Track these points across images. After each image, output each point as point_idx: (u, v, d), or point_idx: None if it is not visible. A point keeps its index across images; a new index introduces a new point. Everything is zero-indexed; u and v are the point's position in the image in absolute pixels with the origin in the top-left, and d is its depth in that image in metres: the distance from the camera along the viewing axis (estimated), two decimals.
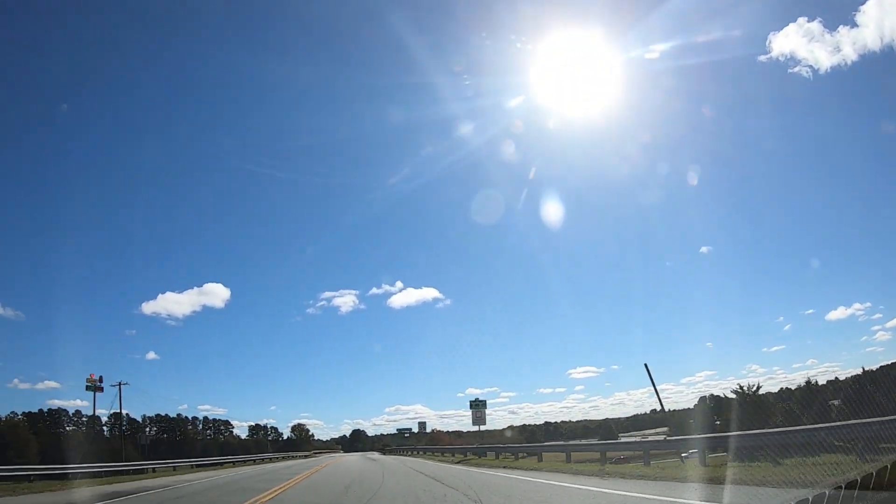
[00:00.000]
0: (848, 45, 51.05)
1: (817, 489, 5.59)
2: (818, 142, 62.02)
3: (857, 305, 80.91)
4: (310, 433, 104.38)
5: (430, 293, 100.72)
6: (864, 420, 9.71)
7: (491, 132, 54.93)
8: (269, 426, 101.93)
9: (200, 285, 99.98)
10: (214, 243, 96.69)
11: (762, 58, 52.93)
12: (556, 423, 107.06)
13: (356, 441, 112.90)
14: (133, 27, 69.01)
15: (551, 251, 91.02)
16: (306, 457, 67.83)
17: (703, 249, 75.30)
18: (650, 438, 17.56)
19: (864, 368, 32.54)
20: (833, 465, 8.82)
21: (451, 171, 77.73)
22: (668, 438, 17.99)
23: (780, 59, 58.97)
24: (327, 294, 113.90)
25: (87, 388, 48.81)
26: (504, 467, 20.59)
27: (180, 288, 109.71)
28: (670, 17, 41.03)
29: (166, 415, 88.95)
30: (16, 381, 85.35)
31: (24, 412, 67.15)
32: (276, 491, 14.26)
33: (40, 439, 49.33)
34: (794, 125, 59.22)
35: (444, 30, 61.68)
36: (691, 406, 50.55)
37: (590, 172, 72.55)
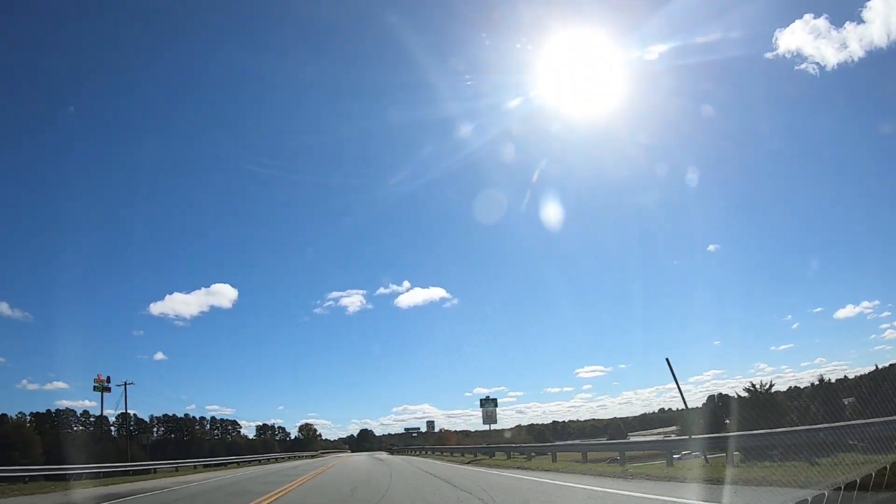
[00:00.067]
0: (854, 41, 50.40)
1: (817, 489, 5.43)
2: (825, 139, 61.38)
3: (865, 303, 79.73)
4: (317, 433, 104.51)
5: (437, 293, 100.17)
6: (887, 418, 9.28)
7: (495, 131, 55.08)
8: (276, 426, 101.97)
9: (208, 286, 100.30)
10: (221, 244, 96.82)
11: (768, 55, 52.37)
12: (563, 422, 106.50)
13: (364, 441, 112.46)
14: (134, 28, 68.59)
15: (558, 251, 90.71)
16: (313, 457, 67.20)
17: (711, 248, 74.98)
18: (673, 437, 16.56)
19: (877, 366, 31.93)
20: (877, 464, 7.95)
21: (456, 170, 77.87)
22: (693, 437, 16.87)
23: (787, 56, 57.46)
24: (334, 294, 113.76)
25: (95, 388, 48.61)
26: (517, 468, 19.58)
27: (188, 288, 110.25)
28: (674, 17, 40.67)
29: (174, 415, 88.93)
30: (24, 381, 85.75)
31: (31, 412, 67.27)
32: (278, 493, 13.43)
33: (46, 440, 49.01)
34: (801, 123, 58.50)
35: (447, 30, 61.12)
36: (699, 405, 50.77)
37: (595, 171, 71.90)
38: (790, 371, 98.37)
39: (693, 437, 16.89)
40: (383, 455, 58.70)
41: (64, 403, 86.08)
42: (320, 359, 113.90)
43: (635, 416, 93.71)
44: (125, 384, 47.92)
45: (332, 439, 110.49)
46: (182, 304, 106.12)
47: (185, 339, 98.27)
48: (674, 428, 37.47)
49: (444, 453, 43.92)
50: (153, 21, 71.34)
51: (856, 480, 4.75)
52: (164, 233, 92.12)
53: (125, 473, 28.30)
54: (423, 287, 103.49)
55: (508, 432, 69.67)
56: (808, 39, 52.49)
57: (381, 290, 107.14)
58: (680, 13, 38.51)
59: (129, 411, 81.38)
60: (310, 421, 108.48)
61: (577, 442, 27.04)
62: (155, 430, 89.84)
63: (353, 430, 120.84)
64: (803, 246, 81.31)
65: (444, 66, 64.81)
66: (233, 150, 76.80)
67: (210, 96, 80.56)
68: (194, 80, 78.33)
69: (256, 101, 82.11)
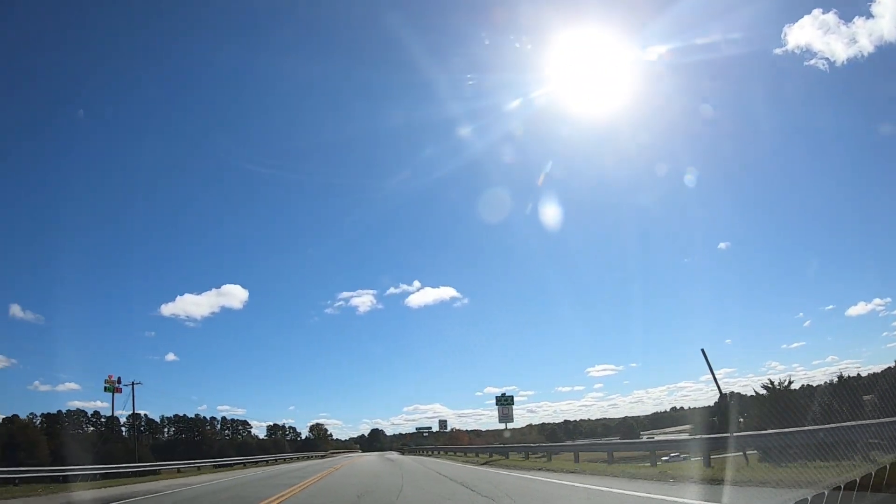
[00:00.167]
0: (864, 36, 49.65)
1: (816, 489, 5.36)
2: (835, 135, 60.63)
3: (877, 300, 77.48)
4: (328, 433, 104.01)
5: (447, 292, 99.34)
6: None
7: (501, 131, 54.74)
8: (287, 426, 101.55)
9: (219, 287, 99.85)
10: (232, 245, 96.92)
11: (777, 51, 51.76)
12: (575, 421, 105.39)
13: (374, 440, 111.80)
14: (138, 28, 68.29)
15: (568, 250, 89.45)
16: (323, 457, 66.18)
17: (721, 246, 74.83)
18: (700, 436, 15.22)
19: None
20: None
21: (461, 169, 77.53)
22: (733, 434, 15.32)
23: (796, 52, 56.61)
24: (345, 294, 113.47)
25: (106, 389, 48.21)
26: (538, 469, 18.00)
27: (198, 289, 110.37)
28: (680, 15, 39.78)
29: (184, 415, 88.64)
30: (36, 383, 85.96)
31: (42, 413, 67.08)
32: (277, 499, 12.07)
33: (54, 440, 48.48)
34: (812, 119, 57.55)
35: (450, 30, 60.64)
36: (711, 404, 49.76)
37: (602, 170, 71.36)
38: (802, 369, 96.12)
39: (734, 434, 15.40)
40: (394, 455, 57.39)
41: (76, 404, 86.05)
42: (331, 359, 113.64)
43: (647, 415, 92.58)
44: (133, 384, 47.33)
45: (342, 439, 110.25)
46: (193, 305, 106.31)
47: (196, 339, 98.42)
48: (688, 426, 36.55)
49: (457, 453, 42.45)
50: (157, 21, 70.90)
51: (855, 480, 4.67)
52: (175, 234, 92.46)
53: (125, 475, 27.23)
54: (433, 287, 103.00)
55: (519, 432, 67.92)
56: (817, 35, 51.57)
57: (392, 290, 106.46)
58: (686, 11, 38.27)
59: (140, 412, 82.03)
60: (321, 421, 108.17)
61: (601, 441, 25.28)
62: (166, 430, 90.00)
63: (364, 429, 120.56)
64: (815, 243, 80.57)
65: (446, 66, 65.17)
66: (237, 151, 76.30)
67: (214, 96, 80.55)
68: (198, 79, 78.22)
69: (260, 101, 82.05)
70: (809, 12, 55.94)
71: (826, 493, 4.62)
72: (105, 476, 24.88)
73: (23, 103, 70.60)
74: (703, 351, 17.18)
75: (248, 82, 78.79)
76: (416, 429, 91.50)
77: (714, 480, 10.23)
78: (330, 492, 13.94)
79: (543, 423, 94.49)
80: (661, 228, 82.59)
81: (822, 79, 54.09)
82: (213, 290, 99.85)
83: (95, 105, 73.77)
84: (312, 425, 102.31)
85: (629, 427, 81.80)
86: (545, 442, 47.88)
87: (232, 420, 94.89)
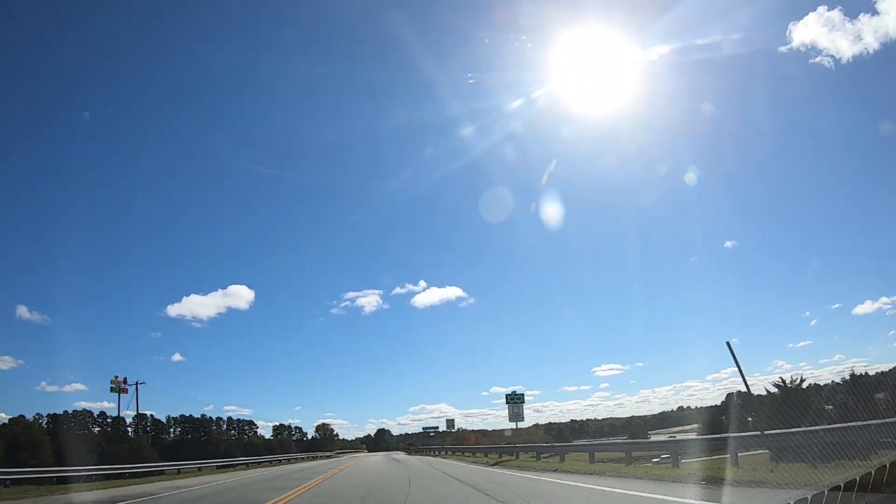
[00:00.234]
0: (869, 33, 49.42)
1: (816, 489, 5.30)
2: (841, 133, 59.59)
3: (883, 299, 76.50)
4: (334, 433, 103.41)
5: (453, 292, 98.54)
6: None
7: (505, 130, 53.69)
8: (293, 426, 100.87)
9: (225, 287, 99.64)
10: (238, 246, 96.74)
11: (782, 49, 50.89)
12: (581, 420, 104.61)
13: (381, 441, 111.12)
14: (140, 28, 67.86)
15: (574, 249, 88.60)
16: (328, 457, 65.47)
17: (728, 244, 74.77)
18: (737, 434, 14.31)
19: None
20: None
21: (465, 169, 77.34)
22: (764, 433, 14.28)
23: (801, 49, 55.81)
24: (351, 294, 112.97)
25: (112, 389, 47.71)
26: (553, 470, 16.99)
27: (205, 290, 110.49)
28: (684, 13, 39.80)
29: (190, 415, 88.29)
30: (43, 383, 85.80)
31: (48, 414, 66.92)
32: (277, 502, 11.17)
33: (58, 440, 48.01)
34: (817, 117, 57.04)
35: (453, 30, 60.15)
36: (717, 403, 50.40)
37: (608, 169, 70.39)
38: (808, 368, 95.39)
39: (765, 432, 14.32)
40: (400, 455, 56.50)
41: (82, 405, 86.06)
42: (337, 359, 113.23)
43: (653, 415, 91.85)
44: (136, 384, 46.80)
45: (349, 439, 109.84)
46: (199, 306, 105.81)
47: (202, 340, 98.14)
48: (695, 426, 36.31)
49: (465, 454, 41.50)
50: (159, 21, 70.59)
51: (855, 479, 4.67)
52: (180, 235, 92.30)
53: (124, 476, 26.48)
54: (439, 287, 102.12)
55: (525, 431, 66.84)
56: (822, 32, 50.79)
57: (398, 290, 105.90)
58: (690, 9, 36.89)
59: (146, 412, 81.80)
60: (327, 421, 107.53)
61: (620, 441, 24.10)
62: (172, 430, 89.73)
63: (371, 429, 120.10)
64: (821, 242, 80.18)
65: (447, 66, 64.05)
66: (240, 151, 76.17)
67: (218, 97, 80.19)
68: (201, 80, 77.76)
69: (262, 101, 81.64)
70: (815, 9, 55.74)
71: (826, 491, 4.60)
72: (105, 477, 24.15)
73: (25, 104, 70.52)
74: (728, 344, 16.12)
75: (249, 82, 78.54)
76: (423, 428, 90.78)
77: (770, 484, 9.14)
78: (333, 495, 13.02)
79: (550, 423, 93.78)
80: (667, 228, 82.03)
81: (828, 76, 53.50)
82: (219, 290, 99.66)
83: (98, 106, 73.59)
84: (318, 425, 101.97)
85: (636, 426, 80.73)
86: (552, 442, 46.66)
87: (238, 420, 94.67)
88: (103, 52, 72.18)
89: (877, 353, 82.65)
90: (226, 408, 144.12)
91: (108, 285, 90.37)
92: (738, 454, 12.74)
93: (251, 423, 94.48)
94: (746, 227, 72.02)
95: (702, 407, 67.80)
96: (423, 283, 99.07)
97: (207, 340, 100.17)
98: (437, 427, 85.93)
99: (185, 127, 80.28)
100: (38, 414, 65.27)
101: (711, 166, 69.22)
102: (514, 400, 27.26)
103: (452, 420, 79.68)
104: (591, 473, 14.65)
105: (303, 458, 58.05)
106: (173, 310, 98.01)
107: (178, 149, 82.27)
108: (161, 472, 29.80)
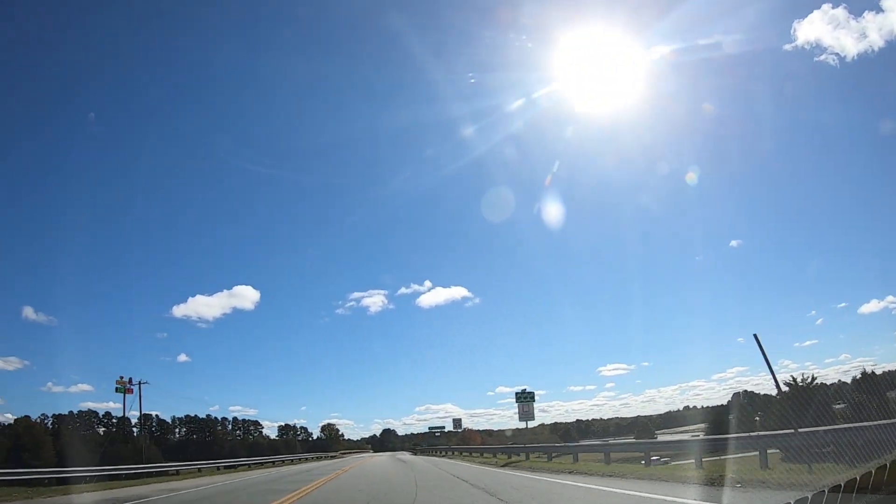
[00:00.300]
0: (874, 30, 48.92)
1: (814, 490, 5.17)
2: (847, 131, 59.33)
3: (890, 298, 75.77)
4: (340, 433, 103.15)
5: (458, 292, 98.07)
6: None
7: (509, 129, 54.00)
8: (298, 426, 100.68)
9: (230, 288, 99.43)
10: (243, 246, 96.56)
11: (787, 47, 50.89)
12: (587, 420, 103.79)
13: (386, 441, 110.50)
14: (141, 28, 67.47)
15: (578, 249, 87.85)
16: (333, 457, 64.62)
17: (733, 243, 74.79)
18: (767, 433, 13.42)
19: None
20: None
21: (469, 168, 77.76)
22: (798, 430, 13.30)
23: (806, 47, 57.02)
24: (356, 294, 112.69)
25: (117, 390, 47.13)
26: (569, 472, 15.95)
27: (210, 291, 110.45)
28: (688, 12, 38.94)
29: (195, 416, 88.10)
30: (49, 384, 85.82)
31: (53, 414, 66.76)
32: None
33: (62, 441, 47.55)
34: (823, 115, 56.44)
35: (457, 29, 59.82)
36: (723, 402, 50.20)
37: (613, 169, 70.36)
38: (814, 367, 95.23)
39: (798, 430, 13.34)
40: (406, 456, 55.56)
41: (88, 405, 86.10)
42: (342, 359, 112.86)
43: (659, 415, 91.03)
44: (140, 383, 46.17)
45: (354, 439, 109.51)
46: (204, 307, 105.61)
47: (207, 340, 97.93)
48: (703, 426, 35.86)
49: (473, 454, 40.47)
50: (160, 22, 70.26)
51: (856, 478, 4.68)
52: (186, 236, 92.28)
53: (123, 477, 25.76)
54: (444, 287, 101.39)
55: (531, 431, 65.84)
56: (826, 30, 51.15)
57: (403, 290, 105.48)
58: (694, 8, 37.69)
59: (151, 413, 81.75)
60: (332, 421, 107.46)
61: (636, 440, 22.91)
62: (177, 430, 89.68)
63: (376, 429, 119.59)
64: (827, 241, 79.85)
65: (449, 66, 63.78)
66: (242, 151, 75.77)
67: (220, 97, 79.95)
68: (202, 80, 77.51)
69: (263, 101, 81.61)
70: (819, 7, 56.07)
71: (826, 491, 4.59)
72: (104, 478, 23.50)
73: (25, 104, 70.40)
74: (755, 336, 15.23)
75: (250, 82, 78.38)
76: (429, 428, 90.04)
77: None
78: (333, 501, 12.06)
79: (556, 423, 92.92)
80: (671, 227, 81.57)
81: (833, 74, 53.30)
82: (225, 291, 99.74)
83: (100, 106, 73.58)
84: (324, 425, 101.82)
85: (643, 426, 79.76)
86: (559, 441, 45.41)
87: (243, 420, 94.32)
88: (103, 52, 71.99)
89: (883, 353, 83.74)
90: (231, 408, 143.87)
91: (113, 286, 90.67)
92: (749, 454, 12.50)
93: (256, 424, 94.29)
94: (752, 227, 72.53)
95: (708, 406, 67.54)
96: (428, 283, 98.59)
97: (213, 341, 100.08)
98: (444, 427, 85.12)
99: (188, 127, 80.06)
100: (42, 414, 65.37)
101: (716, 165, 68.89)
102: (524, 398, 26.16)
103: (459, 420, 78.65)
104: (611, 475, 13.62)
105: (306, 459, 57.23)
106: (179, 310, 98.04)
107: (180, 149, 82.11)
108: (161, 474, 29.02)
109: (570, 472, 15.76)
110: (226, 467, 37.93)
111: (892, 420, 10.10)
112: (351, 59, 68.67)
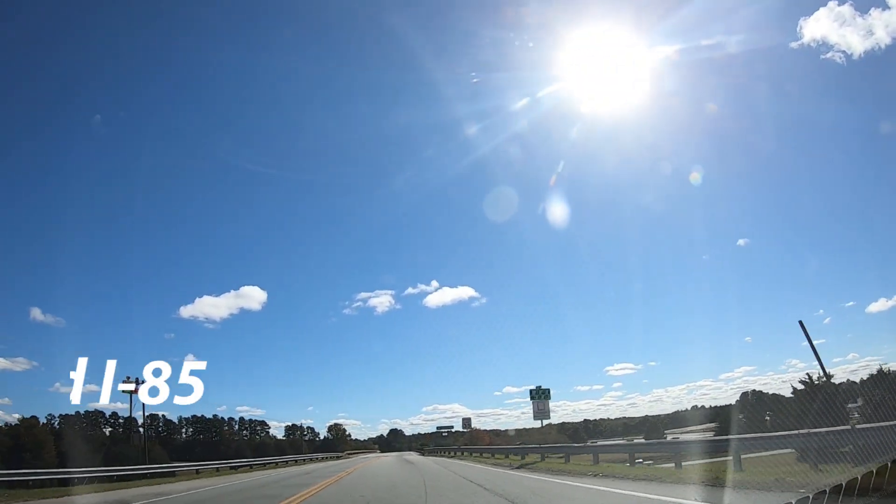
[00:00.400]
0: (880, 27, 48.20)
1: (809, 491, 5.25)
2: (854, 129, 57.70)
3: None
4: (347, 433, 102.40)
5: (466, 292, 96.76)
6: None
7: (513, 129, 52.50)
8: (306, 426, 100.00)
9: (237, 289, 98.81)
10: (250, 247, 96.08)
11: (793, 44, 50.31)
12: (595, 420, 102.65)
13: (393, 441, 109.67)
14: (136, 28, 66.79)
15: (584, 248, 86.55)
16: (338, 458, 63.50)
17: (740, 242, 73.12)
18: (806, 432, 12.11)
19: None
20: None
21: (476, 168, 76.88)
22: (855, 427, 11.94)
23: (812, 45, 55.42)
24: (363, 294, 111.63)
25: (123, 391, 46.21)
26: (594, 475, 14.42)
27: (217, 292, 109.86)
28: (693, 11, 39.34)
29: (202, 416, 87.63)
30: (57, 385, 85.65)
31: (60, 414, 66.40)
32: None
33: (64, 441, 46.83)
34: (829, 113, 55.24)
35: (454, 29, 59.00)
36: (731, 402, 49.85)
37: (619, 168, 68.95)
38: None
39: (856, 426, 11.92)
40: (413, 456, 54.20)
41: (95, 406, 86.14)
42: (349, 359, 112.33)
43: (667, 414, 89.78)
44: (138, 382, 45.07)
45: (361, 439, 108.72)
46: (212, 307, 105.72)
47: (215, 341, 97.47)
48: (713, 425, 35.53)
49: (485, 454, 38.98)
50: (161, 22, 69.60)
51: (857, 478, 4.71)
52: (192, 237, 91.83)
53: (122, 478, 24.71)
54: (451, 286, 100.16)
55: (538, 431, 64.35)
56: (833, 27, 49.95)
57: (410, 290, 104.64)
58: (700, 6, 36.91)
59: (158, 413, 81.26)
60: (339, 421, 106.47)
61: (668, 440, 21.14)
62: (184, 431, 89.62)
63: (383, 429, 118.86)
64: (834, 239, 78.26)
65: (452, 66, 63.12)
66: (244, 152, 74.95)
67: (223, 97, 78.67)
68: (203, 80, 76.60)
69: (266, 101, 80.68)
70: (825, 4, 55.67)
71: (827, 491, 4.63)
72: (102, 479, 22.57)
73: (27, 104, 69.96)
74: (800, 323, 14.34)
75: (252, 83, 77.46)
76: (437, 427, 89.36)
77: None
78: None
79: (563, 423, 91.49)
80: (678, 226, 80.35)
81: (840, 72, 52.37)
82: (232, 291, 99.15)
83: (103, 106, 72.88)
84: (331, 425, 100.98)
85: (652, 426, 78.45)
86: (568, 441, 43.71)
87: (250, 420, 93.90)
88: (103, 52, 71.33)
89: (891, 352, 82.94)
90: (238, 408, 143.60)
91: (121, 287, 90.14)
92: (761, 454, 12.48)
93: (263, 424, 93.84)
94: (759, 226, 70.65)
95: (716, 406, 66.70)
96: (435, 284, 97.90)
97: (220, 341, 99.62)
98: (451, 427, 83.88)
99: (189, 126, 79.36)
100: (49, 415, 65.05)
101: (723, 164, 67.90)
102: (540, 395, 24.58)
103: (469, 419, 77.53)
104: (643, 479, 12.10)
105: (311, 460, 56.05)
106: (186, 311, 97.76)
107: (183, 149, 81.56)
108: (157, 475, 27.85)
109: (594, 476, 14.25)
110: (227, 468, 36.70)
111: None
112: (353, 58, 67.83)
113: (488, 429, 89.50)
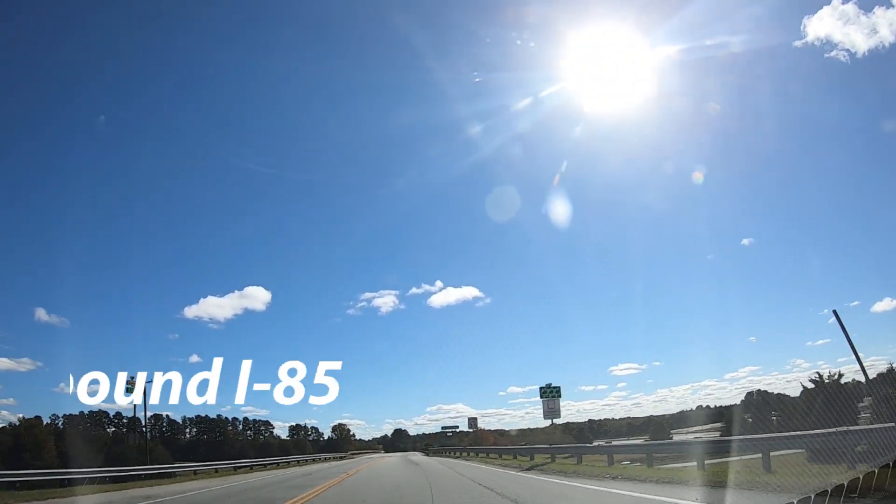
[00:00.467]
0: (885, 26, 47.58)
1: (805, 494, 5.21)
2: (859, 127, 57.26)
3: None
4: (351, 433, 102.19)
5: (470, 292, 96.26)
6: None
7: (514, 129, 51.75)
8: (310, 426, 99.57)
9: (241, 289, 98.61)
10: (254, 247, 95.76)
11: (797, 43, 49.89)
12: (599, 420, 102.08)
13: (397, 441, 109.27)
14: (136, 28, 66.27)
15: (589, 249, 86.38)
16: (342, 458, 62.77)
17: (745, 242, 71.81)
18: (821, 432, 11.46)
19: None
20: None
21: (479, 168, 75.67)
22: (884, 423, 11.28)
23: (816, 43, 54.48)
24: (367, 295, 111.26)
25: (127, 390, 45.74)
26: (613, 477, 13.50)
27: (221, 292, 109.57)
28: (696, 10, 38.71)
29: (206, 416, 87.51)
30: (61, 385, 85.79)
31: (64, 414, 66.29)
32: None
33: (65, 441, 46.40)
34: (834, 112, 54.83)
35: (456, 28, 59.23)
36: (736, 402, 49.78)
37: (623, 168, 67.95)
38: (827, 366, 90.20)
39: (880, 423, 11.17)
40: (418, 457, 53.41)
41: (99, 405, 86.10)
42: (353, 359, 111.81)
43: (672, 414, 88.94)
44: (145, 382, 44.57)
45: (366, 439, 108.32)
46: (216, 308, 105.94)
47: (219, 341, 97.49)
48: (719, 425, 35.49)
49: (490, 455, 38.09)
50: (161, 22, 69.17)
51: (858, 477, 4.77)
52: (196, 237, 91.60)
53: (121, 479, 24.02)
54: (455, 286, 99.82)
55: (542, 431, 63.40)
56: (837, 26, 49.42)
57: (414, 290, 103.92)
58: (702, 6, 36.17)
59: (162, 413, 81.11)
60: (343, 421, 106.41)
61: (692, 439, 20.01)
62: (188, 431, 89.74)
63: (388, 429, 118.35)
64: (839, 239, 77.10)
65: (454, 66, 63.05)
66: (246, 152, 74.33)
67: (224, 97, 77.97)
68: (204, 80, 76.17)
69: (267, 101, 79.88)
70: (829, 3, 54.59)
71: (829, 490, 4.54)
72: (101, 480, 21.97)
73: (27, 104, 69.68)
74: (835, 312, 13.68)
75: (253, 83, 77.09)
76: (442, 427, 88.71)
77: None
78: None
79: (568, 423, 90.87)
80: (683, 225, 79.76)
81: (844, 71, 51.89)
82: (236, 292, 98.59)
83: (104, 106, 72.47)
84: (335, 426, 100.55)
85: (658, 426, 77.88)
86: (572, 441, 42.74)
87: (254, 420, 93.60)
88: (103, 52, 70.97)
89: None
90: (243, 408, 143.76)
91: (125, 288, 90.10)
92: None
93: (267, 424, 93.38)
94: (764, 225, 69.41)
95: (721, 406, 66.09)
96: (439, 283, 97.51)
97: (224, 341, 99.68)
98: (456, 427, 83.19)
99: (190, 127, 78.83)
100: (53, 415, 65.06)
101: (726, 163, 67.40)
102: (550, 393, 23.59)
103: (475, 419, 76.85)
104: (667, 482, 11.18)
105: (313, 460, 55.35)
106: (190, 311, 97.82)
107: (184, 149, 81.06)
108: (155, 475, 27.15)
109: (613, 478, 13.32)
110: (228, 469, 35.95)
111: None
112: (355, 58, 67.39)
113: (492, 429, 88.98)
